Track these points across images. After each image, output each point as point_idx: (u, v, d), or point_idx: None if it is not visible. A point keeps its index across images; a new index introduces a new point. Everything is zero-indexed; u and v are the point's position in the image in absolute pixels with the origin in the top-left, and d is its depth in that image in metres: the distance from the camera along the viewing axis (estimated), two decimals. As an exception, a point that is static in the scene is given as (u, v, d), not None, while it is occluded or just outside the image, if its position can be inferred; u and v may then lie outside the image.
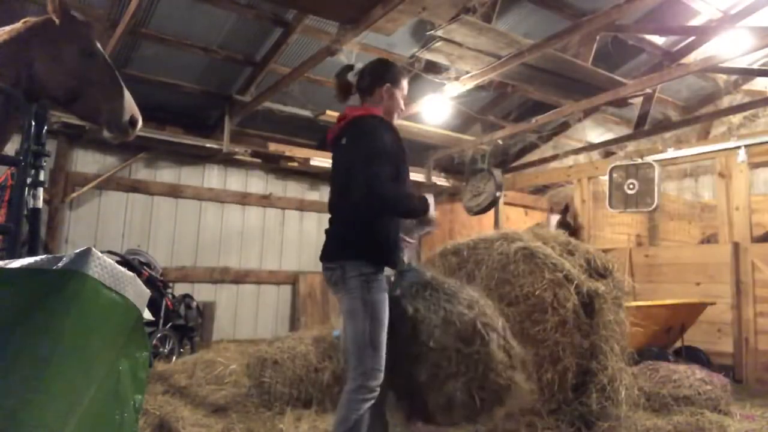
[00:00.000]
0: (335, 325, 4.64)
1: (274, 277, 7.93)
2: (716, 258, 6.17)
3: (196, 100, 7.00)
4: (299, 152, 7.76)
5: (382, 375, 2.50)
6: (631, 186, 6.87)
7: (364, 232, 2.55)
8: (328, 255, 2.64)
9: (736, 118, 7.32)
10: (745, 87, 7.62)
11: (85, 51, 2.70)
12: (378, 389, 2.49)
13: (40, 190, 2.58)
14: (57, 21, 2.66)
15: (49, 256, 1.36)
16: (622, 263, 6.66)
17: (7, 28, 2.68)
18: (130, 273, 1.46)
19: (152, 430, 3.47)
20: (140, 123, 2.86)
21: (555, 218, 8.21)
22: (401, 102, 2.77)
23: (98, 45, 2.80)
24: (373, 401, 2.47)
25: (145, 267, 5.89)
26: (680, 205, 8.85)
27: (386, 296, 2.58)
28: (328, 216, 2.78)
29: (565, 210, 7.87)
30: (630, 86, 6.17)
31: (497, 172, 8.07)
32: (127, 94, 2.81)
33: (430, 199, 2.67)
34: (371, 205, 2.50)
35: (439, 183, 8.97)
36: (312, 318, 7.96)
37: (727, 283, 6.00)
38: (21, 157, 2.51)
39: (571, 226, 7.35)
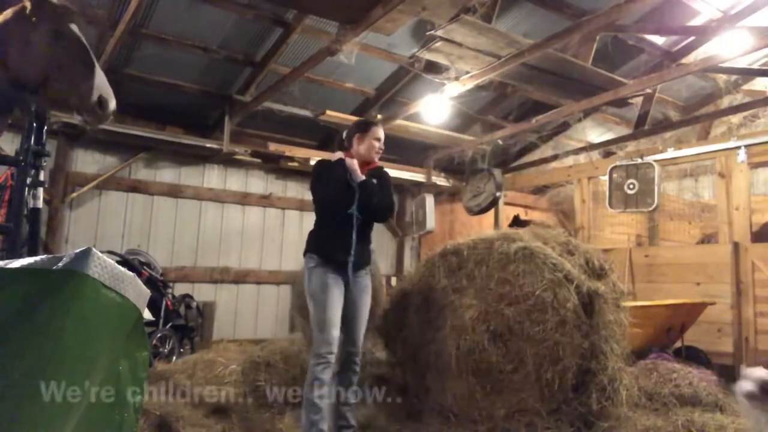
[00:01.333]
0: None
1: (274, 277, 7.93)
2: (716, 258, 6.17)
3: (196, 100, 7.00)
4: (299, 152, 7.76)
5: (328, 347, 3.20)
6: (631, 186, 6.87)
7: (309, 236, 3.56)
8: None
9: (736, 118, 7.31)
10: (745, 87, 7.61)
11: (55, 33, 2.63)
12: (325, 359, 3.18)
13: (40, 190, 2.59)
14: (28, 6, 2.61)
15: (49, 256, 1.36)
16: (622, 263, 6.66)
17: None
18: (130, 273, 1.45)
19: (152, 430, 3.47)
20: (112, 104, 2.69)
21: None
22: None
23: (72, 27, 2.72)
24: (323, 367, 3.16)
25: (145, 267, 5.89)
26: (680, 205, 8.85)
27: (329, 284, 3.30)
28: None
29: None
30: (630, 86, 6.17)
31: (497, 172, 8.08)
32: (99, 76, 2.65)
33: None
34: None
35: (439, 183, 8.97)
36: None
37: (727, 283, 5.99)
38: (21, 157, 2.51)
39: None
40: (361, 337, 3.45)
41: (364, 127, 3.62)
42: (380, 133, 3.59)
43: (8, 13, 2.66)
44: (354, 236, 3.38)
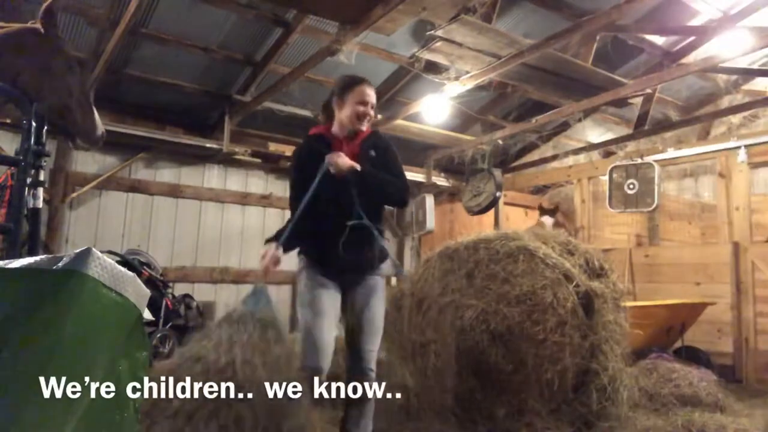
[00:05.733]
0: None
1: (274, 277, 7.89)
2: (716, 258, 6.17)
3: (196, 100, 6.99)
4: (299, 152, 7.76)
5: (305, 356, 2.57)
6: (631, 186, 6.87)
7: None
8: None
9: (736, 118, 7.32)
10: (745, 87, 7.61)
11: (69, 64, 2.67)
12: (306, 369, 2.47)
13: (40, 190, 2.58)
14: (42, 30, 2.61)
15: (49, 256, 1.36)
16: (622, 263, 6.66)
17: None
18: (130, 273, 1.46)
19: (152, 430, 3.46)
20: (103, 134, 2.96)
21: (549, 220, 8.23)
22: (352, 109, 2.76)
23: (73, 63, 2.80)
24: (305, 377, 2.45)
25: (145, 267, 5.89)
26: (680, 205, 8.85)
27: (311, 287, 2.83)
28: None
29: (555, 210, 7.90)
30: (630, 86, 6.17)
31: (497, 172, 8.07)
32: (94, 110, 2.85)
33: None
34: None
35: (439, 183, 8.96)
36: (312, 318, 7.94)
37: (727, 283, 6.00)
38: (21, 157, 2.50)
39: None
40: (366, 351, 2.71)
41: (342, 88, 2.79)
42: (366, 92, 2.75)
43: (10, 27, 2.64)
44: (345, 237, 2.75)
